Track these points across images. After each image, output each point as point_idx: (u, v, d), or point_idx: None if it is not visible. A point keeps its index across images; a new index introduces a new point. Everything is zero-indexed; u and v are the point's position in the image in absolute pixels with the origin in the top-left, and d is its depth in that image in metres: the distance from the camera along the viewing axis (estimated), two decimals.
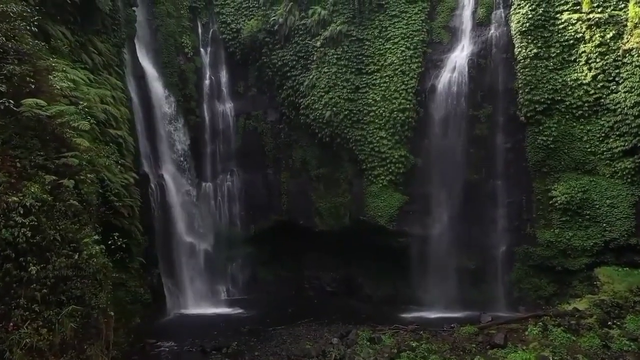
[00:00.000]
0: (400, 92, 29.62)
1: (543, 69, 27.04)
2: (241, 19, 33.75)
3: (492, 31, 28.88)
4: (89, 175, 12.61)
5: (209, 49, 34.36)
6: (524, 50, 27.41)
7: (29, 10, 13.87)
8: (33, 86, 11.80)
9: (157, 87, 30.19)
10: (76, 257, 10.74)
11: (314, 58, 31.71)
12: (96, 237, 12.02)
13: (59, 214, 11.01)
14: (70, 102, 15.71)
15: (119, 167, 21.20)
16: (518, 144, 27.94)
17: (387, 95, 29.89)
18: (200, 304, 29.31)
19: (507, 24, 28.42)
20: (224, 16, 33.94)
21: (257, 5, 33.57)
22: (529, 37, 27.33)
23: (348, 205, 31.21)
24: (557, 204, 26.67)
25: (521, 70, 27.42)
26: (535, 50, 27.13)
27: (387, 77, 30.11)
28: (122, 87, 24.71)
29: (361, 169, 30.38)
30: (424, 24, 30.29)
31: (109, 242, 13.83)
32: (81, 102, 13.70)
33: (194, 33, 33.75)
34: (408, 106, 29.43)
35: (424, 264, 29.08)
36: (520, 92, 27.44)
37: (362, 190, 30.38)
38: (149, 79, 29.82)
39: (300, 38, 32.08)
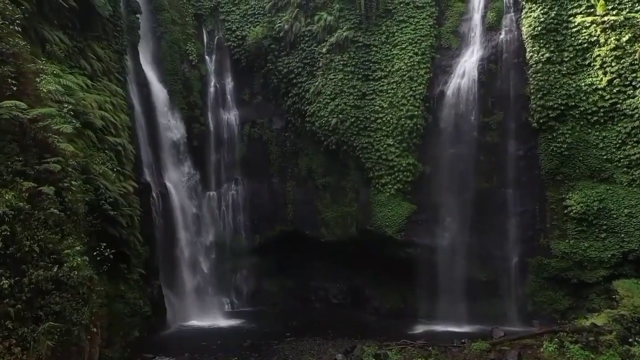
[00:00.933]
0: (408, 98, 28.86)
1: (556, 74, 26.12)
2: (246, 25, 33.32)
3: (502, 35, 28.05)
4: (74, 183, 11.93)
5: (214, 57, 33.95)
6: (536, 55, 26.54)
7: (10, 8, 13.30)
8: (15, 88, 11.21)
9: (160, 95, 29.76)
10: (55, 269, 10.05)
11: (320, 64, 31.10)
12: (79, 247, 11.28)
13: (37, 224, 10.34)
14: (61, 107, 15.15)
15: (115, 175, 20.74)
16: (530, 151, 26.98)
17: (394, 102, 29.15)
18: (202, 317, 28.55)
19: (518, 28, 27.61)
20: (229, 23, 33.55)
21: (262, 12, 33.17)
22: (541, 41, 26.47)
23: (355, 214, 30.40)
24: (572, 214, 25.59)
25: (533, 75, 26.53)
26: (547, 55, 26.25)
27: (394, 84, 29.39)
28: (123, 94, 24.26)
29: (368, 178, 29.59)
30: (432, 29, 29.62)
31: (95, 253, 13.09)
32: (67, 105, 13.02)
33: (199, 40, 33.40)
34: (416, 113, 28.65)
35: (433, 276, 28.06)
36: (533, 97, 26.53)
37: (369, 200, 29.56)
38: (152, 86, 29.41)
39: (306, 44, 31.53)
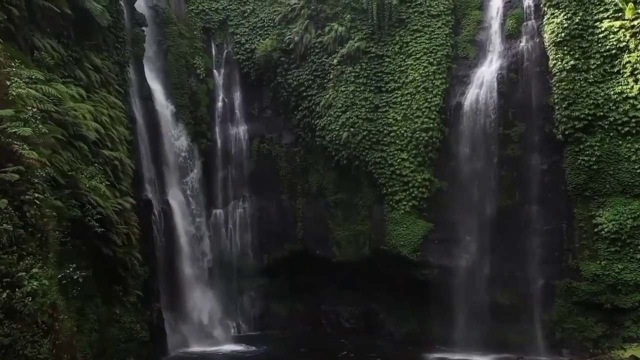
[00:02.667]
0: (423, 110, 27.46)
1: (582, 82, 24.43)
2: (256, 38, 32.46)
3: (523, 43, 26.61)
4: (38, 195, 10.61)
5: (222, 70, 33.06)
6: (559, 63, 24.94)
7: None
8: None
9: (165, 109, 28.88)
10: (5, 295, 8.68)
11: (331, 76, 29.96)
12: (37, 270, 9.89)
13: None
14: (44, 117, 14.01)
15: (110, 190, 19.55)
16: (556, 165, 25.24)
17: (408, 114, 27.77)
18: (206, 342, 27.06)
19: (540, 35, 26.16)
20: (238, 36, 32.73)
21: (272, 24, 32.32)
22: (565, 48, 24.88)
23: (368, 233, 28.98)
24: (603, 233, 23.61)
25: (557, 84, 24.90)
26: (572, 62, 24.61)
27: (408, 95, 28.07)
28: (123, 107, 23.19)
29: (381, 194, 28.20)
30: (448, 38, 28.40)
31: (61, 276, 11.65)
32: (29, 108, 11.80)
33: (207, 54, 32.58)
34: (431, 125, 27.23)
35: (451, 299, 26.37)
36: (557, 108, 24.87)
37: (382, 217, 28.17)
38: (157, 100, 28.52)
39: (317, 56, 30.46)
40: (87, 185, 16.04)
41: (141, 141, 26.09)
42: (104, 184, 17.10)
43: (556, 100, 24.94)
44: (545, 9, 25.84)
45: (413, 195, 27.31)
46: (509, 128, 26.37)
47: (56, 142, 15.34)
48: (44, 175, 11.50)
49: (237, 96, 33.08)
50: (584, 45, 24.71)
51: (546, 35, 25.63)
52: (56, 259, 11.76)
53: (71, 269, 12.10)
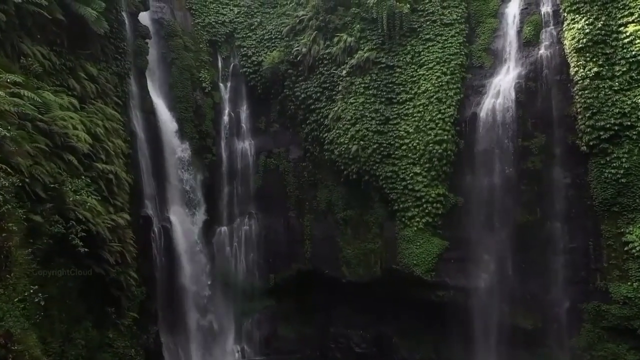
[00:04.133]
0: (437, 121, 26.17)
1: (607, 90, 22.92)
2: (263, 51, 31.61)
3: (542, 51, 25.33)
4: None
5: (229, 84, 32.17)
6: (582, 70, 23.50)
7: None
8: None
9: (168, 123, 27.91)
10: None
11: (340, 88, 28.86)
12: None
13: None
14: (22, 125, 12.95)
15: (103, 205, 18.43)
16: (580, 179, 23.68)
17: (421, 126, 26.50)
18: None
19: (560, 42, 24.87)
20: (245, 49, 31.91)
21: (279, 36, 31.50)
22: (587, 54, 23.46)
23: (379, 252, 27.61)
24: (634, 251, 21.85)
25: (580, 93, 23.42)
26: (595, 69, 23.15)
27: (421, 106, 26.83)
28: (121, 119, 22.21)
29: (393, 210, 26.88)
30: (462, 47, 27.31)
31: (18, 299, 10.38)
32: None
33: (213, 67, 31.76)
34: (446, 137, 25.93)
35: (470, 323, 24.99)
36: (580, 117, 23.36)
37: (394, 235, 26.82)
38: (160, 114, 27.59)
39: (325, 68, 29.45)
40: (72, 199, 14.84)
41: (142, 156, 25.07)
42: (91, 197, 15.85)
43: (579, 110, 23.45)
44: (565, 14, 24.54)
45: (427, 211, 25.89)
46: (528, 139, 24.92)
47: (39, 152, 14.26)
48: (7, 185, 10.34)
49: (244, 110, 32.11)
50: (607, 52, 23.26)
51: (566, 42, 24.28)
52: (26, 280, 10.44)
53: (32, 291, 10.67)
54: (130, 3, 25.91)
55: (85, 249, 14.76)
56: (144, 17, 28.12)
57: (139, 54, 26.76)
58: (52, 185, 14.18)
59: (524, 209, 24.73)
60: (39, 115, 14.68)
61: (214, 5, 32.26)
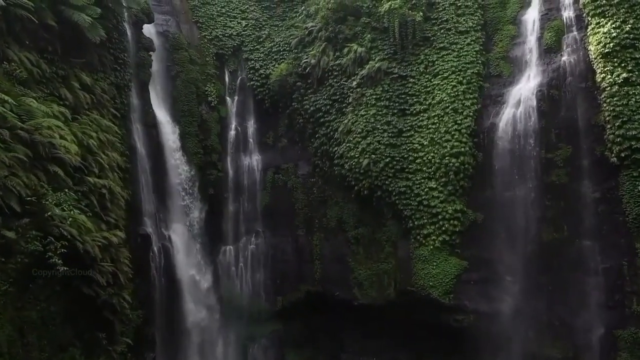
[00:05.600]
0: (453, 133, 24.73)
1: (637, 97, 21.34)
2: (271, 63, 30.63)
3: (564, 57, 23.91)
4: None
5: (236, 98, 31.13)
6: (609, 76, 21.95)
7: None
8: None
9: (171, 138, 26.94)
10: None
11: (350, 100, 27.62)
12: None
13: None
14: None
15: (94, 222, 17.21)
16: (610, 193, 21.88)
17: (436, 138, 25.07)
18: None
19: (584, 47, 23.47)
20: (252, 62, 30.96)
21: (288, 48, 30.55)
22: (615, 59, 21.96)
23: (393, 272, 26.01)
24: None
25: (608, 100, 21.83)
26: (624, 75, 21.59)
27: (435, 117, 25.45)
28: (118, 132, 21.22)
29: (407, 228, 25.36)
30: (478, 56, 26.10)
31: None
32: None
33: (219, 81, 30.79)
34: (463, 150, 24.47)
35: (492, 350, 23.08)
36: (609, 127, 21.74)
37: (409, 254, 25.24)
38: (162, 128, 26.65)
39: (335, 80, 28.32)
40: (54, 214, 13.57)
41: (141, 170, 23.96)
42: (75, 212, 14.53)
43: (607, 119, 21.79)
44: (589, 18, 23.13)
45: (443, 228, 24.30)
46: (552, 151, 23.30)
47: (16, 162, 13.08)
48: None
49: (251, 124, 30.98)
50: (637, 56, 21.76)
51: (591, 47, 22.83)
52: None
53: None
54: (132, 14, 25.21)
55: (65, 268, 13.38)
56: (149, 30, 27.36)
57: (142, 67, 25.93)
58: (28, 199, 12.92)
59: (550, 225, 22.98)
60: (20, 123, 13.54)
61: (221, 18, 31.47)
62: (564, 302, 22.13)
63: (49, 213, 13.33)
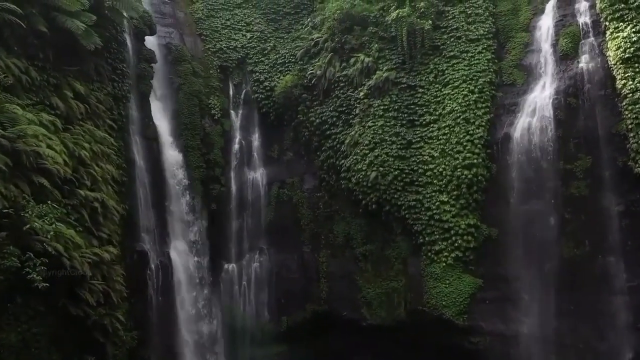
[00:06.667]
0: (464, 144, 23.67)
1: None
2: (276, 75, 29.86)
3: (582, 64, 22.89)
4: None
5: (240, 111, 30.30)
6: (630, 82, 20.87)
7: None
8: None
9: (172, 151, 26.03)
10: None
11: (357, 111, 26.69)
12: None
13: None
14: None
15: (84, 237, 16.26)
16: (635, 205, 20.68)
17: (447, 150, 24.00)
18: None
19: (602, 53, 22.45)
20: (257, 74, 30.21)
21: (293, 60, 29.82)
22: (636, 65, 20.96)
23: (403, 291, 24.73)
24: None
25: (630, 108, 20.70)
26: None
27: (446, 128, 24.47)
28: (114, 143, 20.42)
29: (418, 244, 24.14)
30: (490, 64, 25.23)
31: None
32: None
33: (223, 94, 30.04)
34: (475, 161, 23.38)
35: None
36: (632, 135, 20.59)
37: (420, 272, 24.02)
38: (164, 141, 25.77)
39: (341, 91, 27.43)
40: (34, 228, 12.59)
41: (140, 184, 23.02)
42: (55, 225, 13.53)
43: (630, 127, 20.61)
44: (607, 23, 22.16)
45: (456, 244, 23.07)
46: (571, 162, 22.11)
47: None
48: None
49: (256, 138, 30.05)
50: None
51: (610, 53, 21.78)
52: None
53: None
54: (133, 25, 24.64)
55: (45, 284, 12.31)
56: (152, 42, 26.76)
57: (143, 78, 25.26)
58: (5, 211, 11.97)
59: (570, 241, 21.64)
60: (1, 130, 12.67)
61: (225, 31, 30.89)
62: (588, 323, 20.66)
63: (28, 226, 12.33)
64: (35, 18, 16.63)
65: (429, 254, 23.60)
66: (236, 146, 29.70)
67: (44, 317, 14.78)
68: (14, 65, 15.49)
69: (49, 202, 13.68)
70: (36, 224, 12.51)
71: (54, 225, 13.11)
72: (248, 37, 30.78)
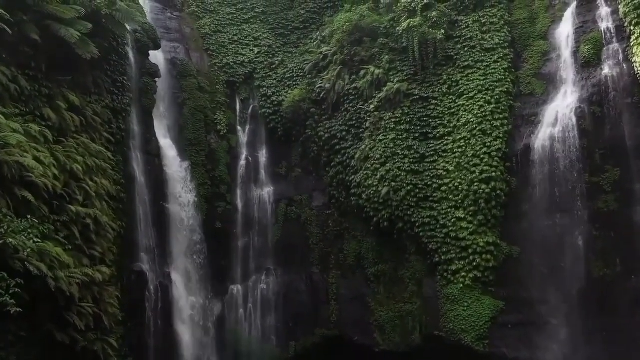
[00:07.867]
0: (481, 157, 22.37)
1: None
2: (283, 90, 29.01)
3: (605, 71, 21.65)
4: None
5: (247, 127, 29.38)
6: None
7: None
8: None
9: (174, 168, 25.20)
10: None
11: (367, 125, 25.60)
12: None
13: None
14: None
15: (73, 256, 15.19)
16: None
17: (463, 163, 22.72)
18: None
19: (627, 59, 21.19)
20: (264, 89, 29.39)
21: (301, 74, 29.00)
22: None
23: (418, 314, 23.31)
24: None
25: None
26: None
27: (462, 140, 23.23)
28: (111, 158, 19.49)
29: (433, 264, 22.76)
30: (507, 74, 24.16)
31: None
32: None
33: (230, 109, 29.24)
34: (493, 175, 22.04)
35: None
36: None
37: (436, 293, 22.62)
38: (167, 157, 24.99)
39: (351, 104, 26.46)
40: (5, 243, 11.50)
41: (140, 202, 22.08)
42: (33, 240, 12.41)
43: None
44: (632, 27, 21.01)
45: (474, 264, 21.60)
46: (597, 175, 20.67)
47: None
48: None
49: (263, 154, 29.03)
50: None
51: (636, 59, 20.59)
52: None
53: None
54: (136, 39, 24.08)
55: (18, 309, 11.13)
56: (157, 57, 26.18)
57: (145, 92, 24.62)
58: None
59: (599, 259, 20.07)
60: None
61: (233, 46, 30.25)
62: (622, 350, 18.83)
63: (2, 242, 11.25)
64: (27, 25, 15.94)
65: (446, 274, 22.14)
66: (243, 162, 28.69)
67: (27, 343, 13.63)
68: (1, 74, 14.68)
69: (29, 217, 12.56)
70: (11, 240, 11.41)
71: (32, 242, 11.98)
72: (255, 52, 30.09)
